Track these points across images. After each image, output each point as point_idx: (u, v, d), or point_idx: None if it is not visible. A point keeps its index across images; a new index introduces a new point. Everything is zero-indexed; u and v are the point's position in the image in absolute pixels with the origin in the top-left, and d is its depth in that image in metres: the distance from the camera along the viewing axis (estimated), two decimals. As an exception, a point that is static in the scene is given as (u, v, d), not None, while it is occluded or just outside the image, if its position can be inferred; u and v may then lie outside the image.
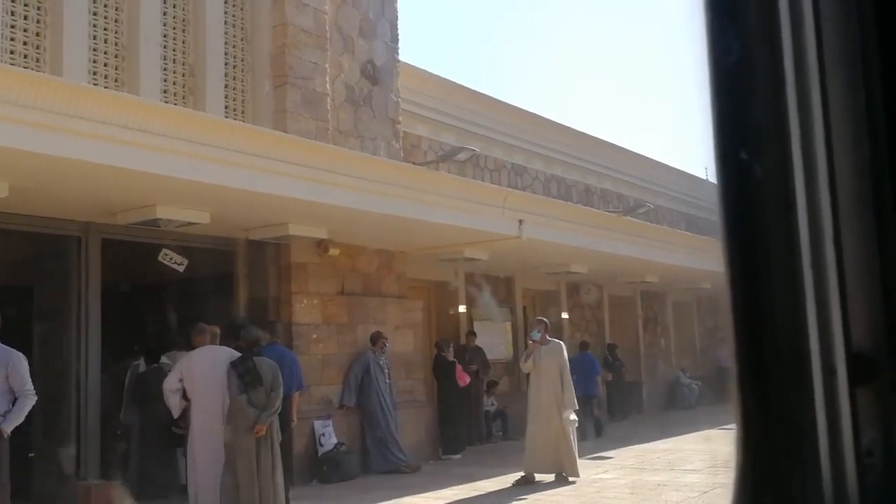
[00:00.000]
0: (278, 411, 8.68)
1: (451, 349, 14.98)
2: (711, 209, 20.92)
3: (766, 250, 1.04)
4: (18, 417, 7.51)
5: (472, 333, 16.53)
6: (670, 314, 25.13)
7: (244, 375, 8.47)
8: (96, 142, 7.53)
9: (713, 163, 1.07)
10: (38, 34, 9.82)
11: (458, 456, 14.03)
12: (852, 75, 1.01)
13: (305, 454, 11.65)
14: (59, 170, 7.75)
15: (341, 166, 10.29)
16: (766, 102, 1.05)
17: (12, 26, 9.59)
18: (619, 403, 20.17)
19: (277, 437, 8.75)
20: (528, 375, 12.03)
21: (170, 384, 9.16)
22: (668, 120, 65.11)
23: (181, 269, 10.88)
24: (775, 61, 1.02)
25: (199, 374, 8.92)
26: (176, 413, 9.23)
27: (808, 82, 1.02)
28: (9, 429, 7.40)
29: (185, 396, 9.14)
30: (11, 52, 9.53)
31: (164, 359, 10.58)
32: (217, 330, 9.40)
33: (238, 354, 8.77)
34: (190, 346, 9.64)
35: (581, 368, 17.57)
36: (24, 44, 9.70)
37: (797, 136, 1.02)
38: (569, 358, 17.78)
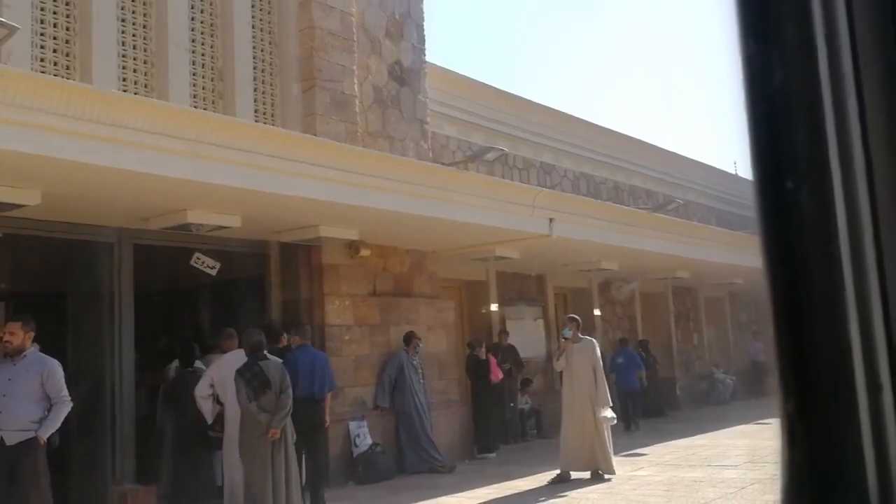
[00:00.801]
0: (290, 412, 8.65)
1: (482, 348, 14.98)
2: (742, 204, 21.06)
3: (806, 266, 1.04)
4: (54, 424, 7.57)
5: (504, 332, 16.52)
6: (702, 309, 24.99)
7: (252, 381, 8.43)
8: (127, 148, 7.56)
9: (753, 180, 1.06)
10: (67, 41, 9.89)
11: (493, 455, 14.01)
12: (889, 87, 1.00)
13: (341, 455, 11.67)
14: (90, 177, 7.79)
15: (371, 168, 10.30)
16: (803, 118, 1.04)
17: (42, 34, 9.66)
18: (653, 400, 20.06)
19: (292, 437, 8.75)
20: (561, 373, 11.99)
21: (201, 390, 9.24)
22: (697, 115, 64.86)
23: (213, 272, 10.93)
24: (811, 71, 1.02)
25: (230, 380, 8.96)
26: (209, 418, 9.30)
27: (844, 90, 1.01)
28: (45, 435, 7.47)
29: (217, 401, 9.20)
30: (42, 60, 9.61)
31: (198, 364, 10.64)
32: None
33: (271, 358, 8.79)
34: (224, 351, 9.71)
35: (626, 364, 17.86)
36: (54, 51, 9.77)
37: (835, 147, 1.01)
38: (615, 355, 18.00)
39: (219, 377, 9.17)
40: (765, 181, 1.06)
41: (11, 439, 7.34)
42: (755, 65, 1.05)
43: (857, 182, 1.00)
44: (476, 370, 14.73)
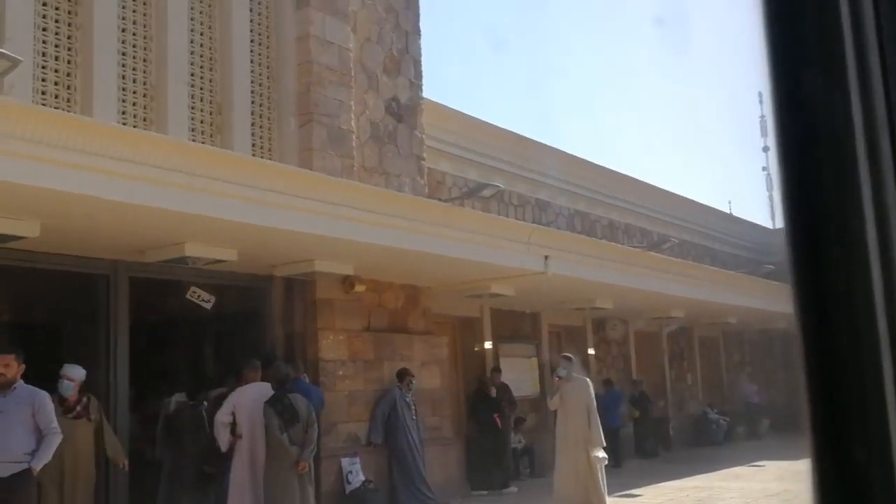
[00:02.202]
0: (316, 447, 8.84)
1: (494, 386, 15.13)
2: (736, 244, 21.02)
3: (838, 304, 1.03)
4: (46, 455, 7.57)
5: (497, 370, 16.45)
6: (696, 349, 24.97)
7: (283, 413, 8.55)
8: (125, 181, 7.58)
9: (783, 214, 1.06)
10: (68, 74, 9.93)
11: (516, 489, 13.98)
12: None
13: (333, 492, 11.59)
14: (89, 209, 7.80)
15: (367, 203, 10.32)
16: (836, 158, 1.04)
17: (43, 67, 9.70)
18: (646, 440, 20.00)
19: (311, 470, 8.94)
20: (555, 412, 11.95)
21: (222, 417, 9.38)
22: (692, 154, 65.12)
23: (209, 306, 10.92)
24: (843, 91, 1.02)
25: (248, 409, 9.17)
26: (224, 447, 9.40)
27: (876, 124, 1.02)
28: (38, 467, 7.46)
29: (232, 432, 9.35)
30: (43, 93, 9.64)
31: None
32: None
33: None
34: (239, 381, 9.87)
35: (609, 403, 18.00)
36: (56, 84, 9.81)
37: (867, 178, 1.02)
38: (596, 394, 17.95)
39: (239, 406, 9.36)
40: (797, 226, 1.06)
41: (5, 471, 7.33)
42: (788, 104, 1.05)
43: (890, 206, 1.00)
44: (489, 407, 14.78)
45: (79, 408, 8.55)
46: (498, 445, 14.53)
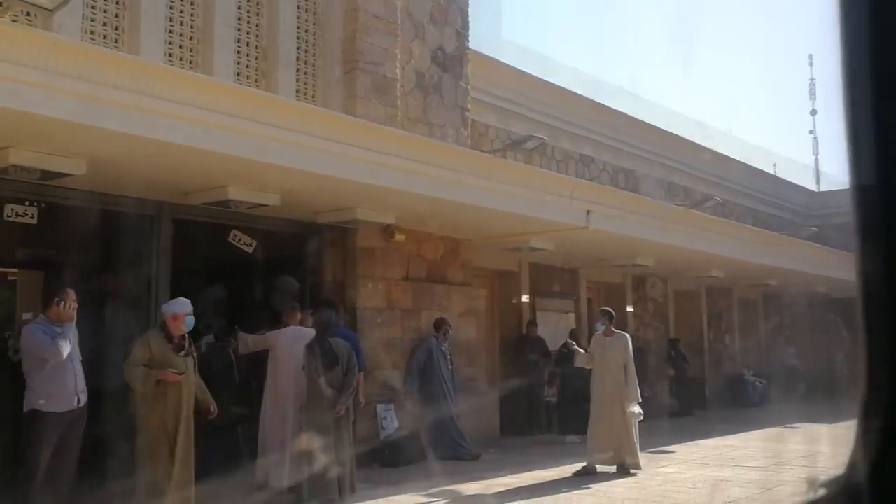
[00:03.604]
0: (355, 391, 8.95)
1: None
2: (780, 205, 20.69)
3: None
4: None
5: (533, 323, 16.49)
6: (736, 310, 24.82)
7: (322, 357, 8.64)
8: (173, 121, 7.62)
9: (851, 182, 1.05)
10: (116, 15, 9.96)
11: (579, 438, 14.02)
12: None
13: (367, 437, 11.70)
14: (135, 148, 7.86)
15: (410, 152, 10.31)
16: None
17: (92, 7, 9.73)
18: (682, 399, 19.99)
19: (351, 415, 9.03)
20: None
21: (251, 342, 9.70)
22: (739, 113, 64.32)
23: (250, 250, 11.01)
24: None
25: (283, 351, 9.33)
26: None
27: None
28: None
29: (258, 376, 9.55)
30: (91, 33, 9.69)
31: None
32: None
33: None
34: (278, 325, 10.01)
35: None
36: (104, 25, 9.85)
37: None
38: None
39: (277, 346, 9.72)
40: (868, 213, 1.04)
41: (83, 401, 7.64)
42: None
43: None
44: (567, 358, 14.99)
45: (186, 345, 8.10)
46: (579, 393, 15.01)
